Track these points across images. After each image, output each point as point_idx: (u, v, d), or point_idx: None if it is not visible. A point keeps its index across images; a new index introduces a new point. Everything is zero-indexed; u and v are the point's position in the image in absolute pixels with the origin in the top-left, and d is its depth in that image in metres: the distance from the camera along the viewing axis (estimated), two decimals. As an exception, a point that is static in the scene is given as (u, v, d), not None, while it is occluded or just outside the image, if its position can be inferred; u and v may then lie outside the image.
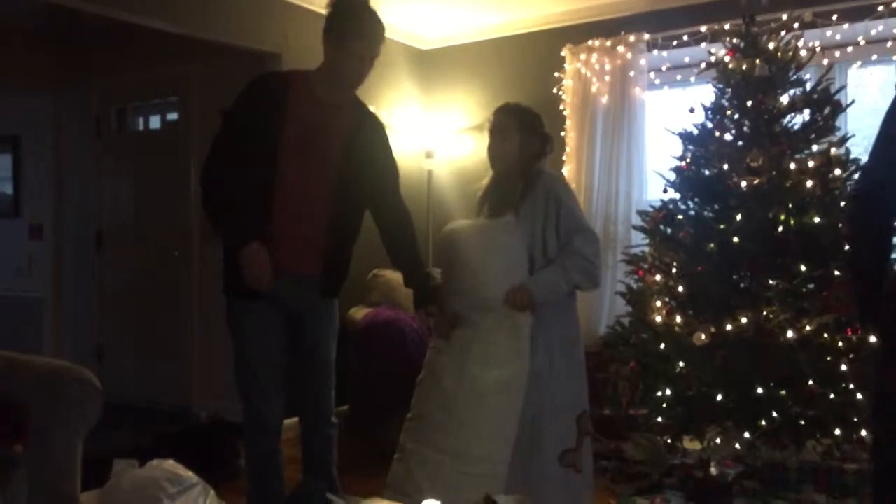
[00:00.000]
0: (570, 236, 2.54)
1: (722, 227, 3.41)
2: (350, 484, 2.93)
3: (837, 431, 3.25)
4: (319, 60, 2.57)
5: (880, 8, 3.86)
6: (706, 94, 3.75)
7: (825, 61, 3.89)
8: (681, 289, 3.48)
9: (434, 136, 5.19)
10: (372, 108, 2.73)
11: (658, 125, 4.36)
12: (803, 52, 3.59)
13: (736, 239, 3.33)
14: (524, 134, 2.63)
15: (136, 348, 5.20)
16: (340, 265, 2.64)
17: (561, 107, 4.81)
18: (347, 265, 2.68)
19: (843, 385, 3.20)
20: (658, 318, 3.51)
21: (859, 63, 4.13)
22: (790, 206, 3.33)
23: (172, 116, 5.20)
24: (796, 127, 3.53)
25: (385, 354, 4.10)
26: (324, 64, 2.54)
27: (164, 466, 2.70)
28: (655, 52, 4.50)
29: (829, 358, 3.20)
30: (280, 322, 2.55)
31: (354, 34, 2.43)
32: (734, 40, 3.64)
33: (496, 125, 2.69)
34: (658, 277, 3.61)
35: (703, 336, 3.26)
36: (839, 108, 3.53)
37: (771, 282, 3.28)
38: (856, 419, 3.24)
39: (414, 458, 2.54)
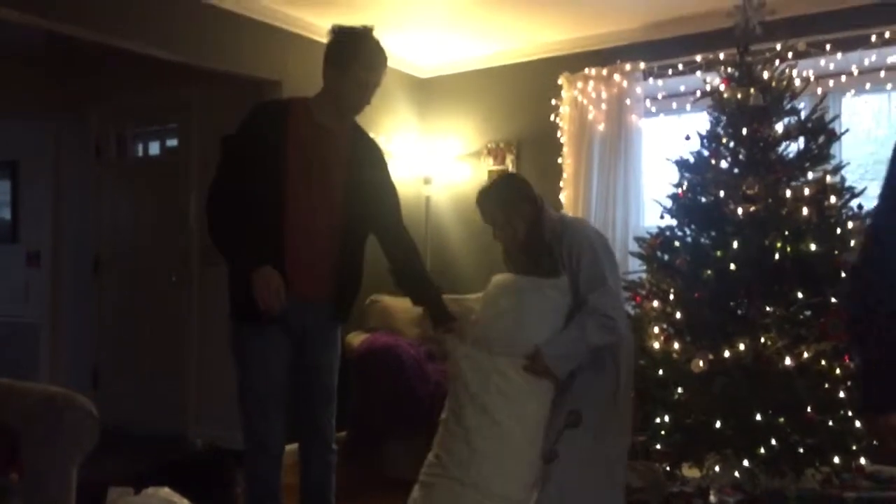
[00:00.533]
0: (588, 291, 2.46)
1: (719, 253, 3.42)
2: (345, 510, 2.90)
3: (836, 459, 3.24)
4: (319, 87, 2.60)
5: (873, 38, 3.91)
6: (702, 121, 3.78)
7: (819, 90, 3.93)
8: (678, 315, 3.48)
9: (432, 163, 5.22)
10: (371, 135, 2.76)
11: (654, 152, 4.39)
12: (797, 82, 3.62)
13: (733, 266, 3.34)
14: (514, 214, 2.59)
15: (133, 373, 5.17)
16: (353, 287, 2.66)
17: (558, 134, 4.85)
18: (359, 286, 2.69)
19: (842, 412, 3.19)
20: (656, 345, 3.50)
21: (853, 92, 4.18)
22: (786, 233, 3.34)
23: (172, 143, 5.23)
24: (791, 155, 3.55)
25: (383, 380, 4.10)
26: (324, 90, 2.56)
27: (159, 494, 2.70)
28: (651, 80, 4.55)
29: (826, 385, 3.19)
30: (286, 347, 2.55)
31: (359, 62, 2.47)
32: (729, 69, 3.68)
33: (487, 220, 2.65)
34: (655, 304, 3.61)
35: (702, 363, 3.25)
36: (834, 137, 3.55)
37: (768, 308, 3.28)
38: (854, 447, 3.23)
39: (433, 488, 2.47)
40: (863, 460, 3.27)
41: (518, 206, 2.60)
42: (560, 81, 4.84)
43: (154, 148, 5.41)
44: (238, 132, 2.54)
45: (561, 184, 4.81)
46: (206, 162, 4.86)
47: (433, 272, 5.21)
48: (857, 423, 3.17)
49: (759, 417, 3.18)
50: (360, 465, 3.96)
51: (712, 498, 3.31)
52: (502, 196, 2.62)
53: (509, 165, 5.16)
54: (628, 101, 4.58)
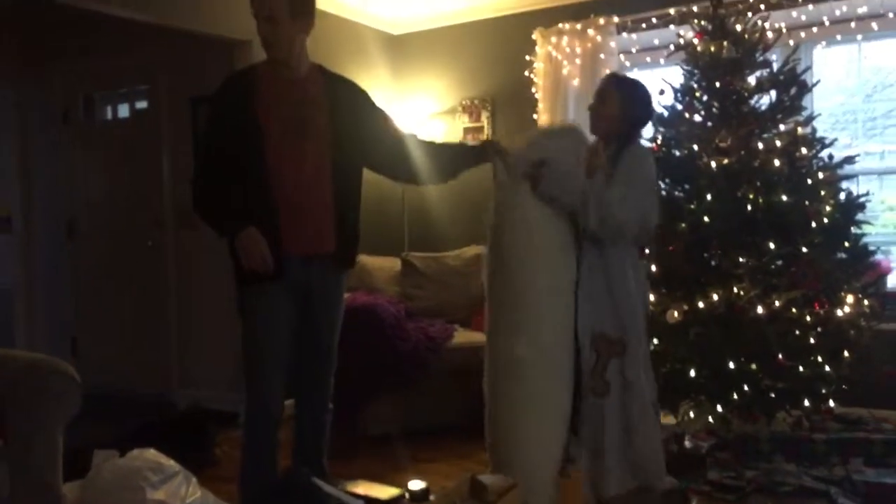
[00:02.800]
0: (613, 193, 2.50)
1: (692, 206, 3.47)
2: (330, 468, 2.95)
3: (807, 403, 3.34)
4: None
5: (843, -12, 3.93)
6: (675, 75, 3.80)
7: (791, 42, 3.96)
8: (654, 268, 3.54)
9: (407, 122, 5.19)
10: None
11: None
12: (769, 34, 3.65)
13: (706, 218, 3.39)
14: (625, 98, 2.63)
15: (112, 338, 5.16)
16: (352, 232, 2.68)
17: (533, 90, 4.84)
18: (357, 230, 2.71)
19: (812, 357, 3.28)
20: (632, 298, 3.56)
21: (824, 43, 4.21)
22: (758, 185, 3.39)
23: (142, 105, 5.15)
24: (763, 107, 3.58)
25: (363, 339, 4.11)
26: None
27: (145, 456, 2.71)
28: (625, 34, 4.54)
29: (797, 332, 3.28)
30: (290, 306, 2.57)
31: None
32: (702, 22, 3.69)
33: (598, 90, 2.71)
34: (631, 257, 3.66)
35: (676, 314, 3.32)
36: (805, 88, 3.59)
37: (741, 259, 3.34)
38: (824, 391, 3.33)
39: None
40: (832, 403, 3.39)
41: (632, 102, 2.65)
42: (534, 36, 4.81)
43: (123, 111, 5.32)
44: (211, 108, 2.56)
45: (536, 140, 4.81)
46: (177, 124, 4.80)
47: (411, 232, 5.25)
48: (827, 368, 3.27)
49: (732, 365, 3.26)
50: (342, 425, 4.00)
51: (687, 443, 3.41)
52: (629, 86, 2.70)
53: (484, 122, 5.15)
54: (602, 56, 4.57)
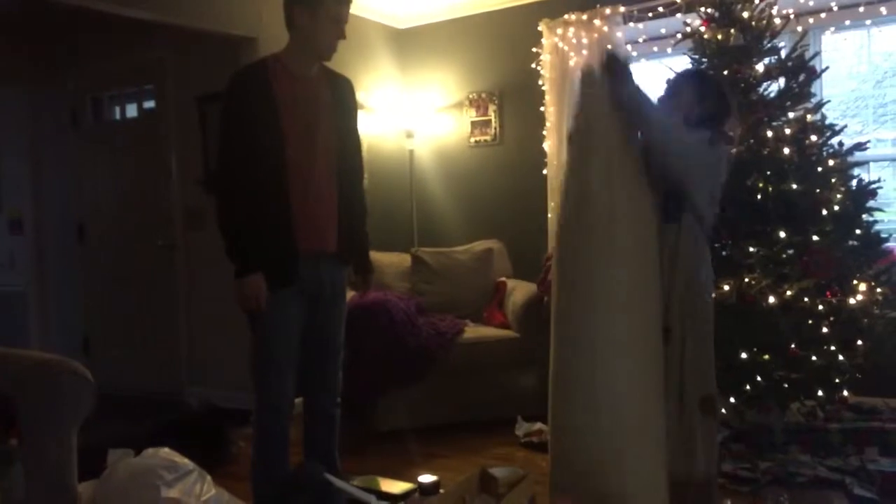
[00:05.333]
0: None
1: (702, 196, 3.44)
2: (341, 463, 2.95)
3: (820, 393, 3.32)
4: (295, 42, 2.57)
5: (852, -27, 3.89)
6: (683, 65, 3.77)
7: (799, 28, 3.91)
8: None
9: (414, 116, 5.19)
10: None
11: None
12: (777, 20, 3.61)
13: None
14: (697, 93, 2.66)
15: (123, 338, 5.19)
16: (357, 229, 2.73)
17: (539, 82, 4.80)
18: (362, 227, 2.77)
19: (825, 347, 3.26)
20: (642, 289, 3.54)
21: (833, 29, 4.16)
22: (768, 173, 3.36)
23: (149, 104, 5.16)
24: (772, 95, 3.55)
25: (373, 335, 4.12)
26: (294, 39, 2.56)
27: (159, 454, 2.73)
28: (632, 24, 4.50)
29: (810, 321, 3.25)
30: (301, 310, 2.59)
31: None
32: (709, 10, 3.66)
33: (669, 82, 2.77)
34: (641, 248, 3.64)
35: (687, 304, 3.30)
36: (814, 75, 3.55)
37: (751, 249, 3.32)
38: (837, 380, 3.31)
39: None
40: (846, 393, 3.36)
41: (704, 94, 2.69)
42: (540, 28, 4.77)
43: (131, 110, 5.33)
44: (226, 105, 2.55)
45: (544, 132, 4.78)
46: (185, 122, 4.81)
47: (420, 228, 5.25)
48: (840, 357, 3.25)
49: (744, 355, 3.24)
50: (353, 421, 4.01)
51: (700, 435, 3.39)
52: (700, 77, 2.79)
53: (492, 116, 5.13)
54: (609, 47, 4.52)
